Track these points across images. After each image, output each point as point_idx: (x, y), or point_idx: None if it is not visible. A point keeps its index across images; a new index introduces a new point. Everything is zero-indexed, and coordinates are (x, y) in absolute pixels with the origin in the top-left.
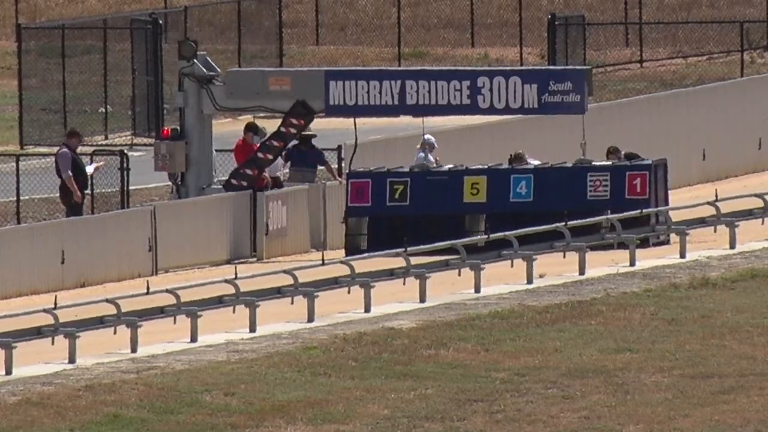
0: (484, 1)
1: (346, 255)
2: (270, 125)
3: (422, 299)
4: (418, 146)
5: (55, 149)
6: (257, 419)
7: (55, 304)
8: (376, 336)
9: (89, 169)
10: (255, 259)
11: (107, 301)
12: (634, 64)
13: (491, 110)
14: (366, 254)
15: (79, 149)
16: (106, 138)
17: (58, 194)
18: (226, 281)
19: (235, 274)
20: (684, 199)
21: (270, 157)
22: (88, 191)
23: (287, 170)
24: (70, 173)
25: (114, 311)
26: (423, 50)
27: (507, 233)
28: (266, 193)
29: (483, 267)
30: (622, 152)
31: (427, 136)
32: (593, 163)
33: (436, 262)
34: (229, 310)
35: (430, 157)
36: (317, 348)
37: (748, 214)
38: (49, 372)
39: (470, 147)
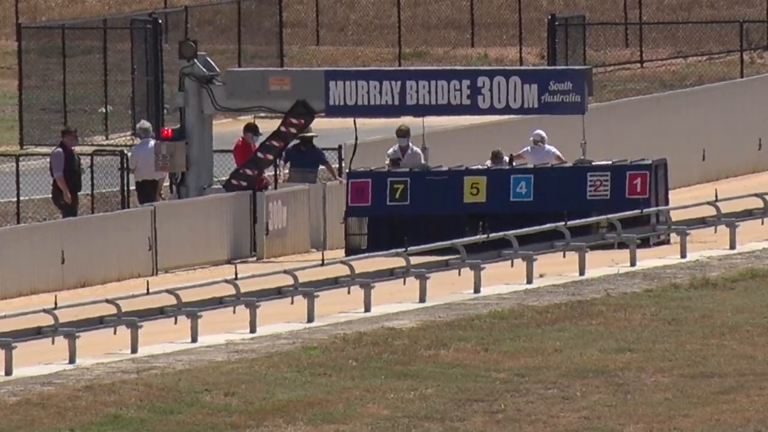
0: (484, 1)
1: (346, 255)
2: (270, 125)
3: (422, 299)
4: (531, 138)
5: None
6: (257, 419)
7: (55, 304)
8: (376, 336)
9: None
10: (255, 259)
11: (107, 301)
12: (634, 64)
13: (491, 110)
14: (366, 254)
15: (80, 149)
16: (107, 138)
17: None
18: (227, 281)
19: (236, 274)
20: (684, 199)
21: (270, 157)
22: (87, 191)
23: (287, 170)
24: (58, 173)
25: (114, 311)
26: (423, 50)
27: (507, 233)
28: (266, 193)
29: (483, 267)
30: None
31: (537, 131)
32: (593, 163)
33: (436, 262)
34: (229, 311)
35: (550, 149)
36: (317, 348)
37: (748, 214)
38: (49, 372)
39: (470, 147)
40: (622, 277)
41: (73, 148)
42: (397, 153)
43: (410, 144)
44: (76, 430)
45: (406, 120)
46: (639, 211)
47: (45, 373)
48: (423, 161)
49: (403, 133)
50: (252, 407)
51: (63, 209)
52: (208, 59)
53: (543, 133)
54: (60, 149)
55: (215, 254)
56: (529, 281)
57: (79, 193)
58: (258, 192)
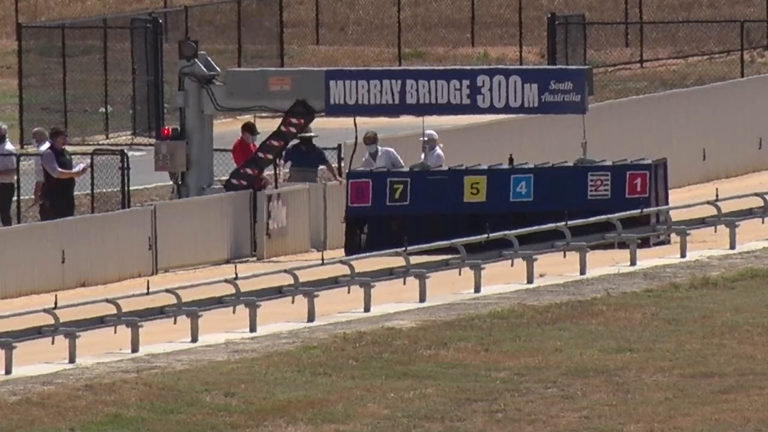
0: (484, 0)
1: (346, 254)
2: (270, 125)
3: (422, 299)
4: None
5: None
6: (257, 419)
7: (56, 303)
8: (376, 336)
9: (79, 167)
10: (255, 258)
11: (107, 300)
12: (634, 64)
13: (491, 110)
14: (366, 254)
15: (80, 149)
16: (107, 138)
17: (46, 196)
18: (227, 281)
19: (236, 273)
20: (684, 199)
21: (270, 156)
22: (87, 191)
23: (287, 170)
24: (57, 171)
25: (114, 311)
26: (423, 50)
27: (507, 233)
28: (266, 192)
29: (483, 267)
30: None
31: (428, 132)
32: (594, 162)
33: (436, 261)
34: (229, 310)
35: (437, 152)
36: (317, 348)
37: (748, 213)
38: (49, 372)
39: (470, 147)
40: (622, 277)
41: (63, 148)
42: (369, 161)
43: (378, 147)
44: (76, 429)
45: (406, 120)
46: (639, 211)
47: (45, 373)
48: (397, 156)
49: (370, 140)
50: (252, 407)
51: (44, 211)
52: (208, 59)
53: (434, 134)
54: (50, 150)
55: (215, 254)
56: (530, 281)
57: (79, 193)
58: (258, 192)
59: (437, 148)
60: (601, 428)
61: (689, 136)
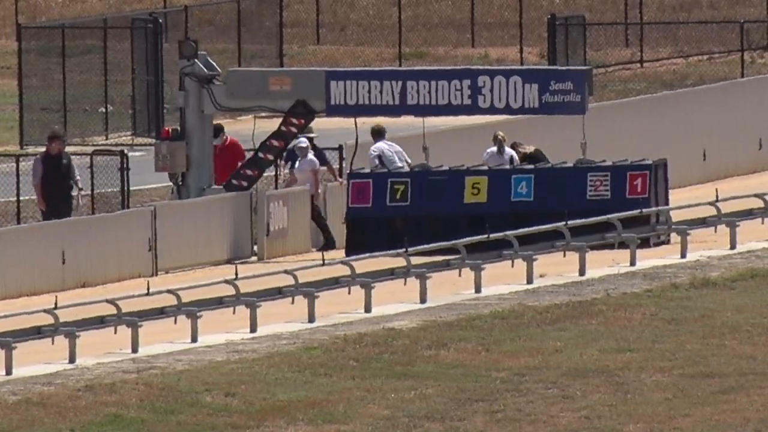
0: (484, 1)
1: (347, 255)
2: (270, 125)
3: (423, 299)
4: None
5: None
6: (257, 419)
7: (56, 304)
8: (377, 336)
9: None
10: (255, 259)
11: (108, 301)
12: (634, 64)
13: (492, 110)
14: (366, 254)
15: (80, 149)
16: (107, 138)
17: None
18: (227, 281)
19: (236, 274)
20: (684, 199)
21: (271, 157)
22: (87, 192)
23: (287, 170)
24: (35, 182)
25: (114, 311)
26: (423, 50)
27: (507, 233)
28: (267, 192)
29: (483, 267)
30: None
31: (301, 140)
32: (594, 163)
33: (436, 262)
34: (229, 311)
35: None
36: (318, 348)
37: (748, 214)
38: (49, 372)
39: (470, 147)
40: (622, 277)
41: (60, 151)
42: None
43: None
44: (77, 430)
45: (406, 120)
46: (639, 211)
47: (45, 373)
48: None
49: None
50: (252, 407)
51: (51, 209)
52: (208, 59)
53: (305, 140)
54: (39, 157)
55: (215, 254)
56: (530, 281)
57: (78, 194)
58: (258, 192)
59: (309, 154)
60: (601, 428)
61: (689, 136)
